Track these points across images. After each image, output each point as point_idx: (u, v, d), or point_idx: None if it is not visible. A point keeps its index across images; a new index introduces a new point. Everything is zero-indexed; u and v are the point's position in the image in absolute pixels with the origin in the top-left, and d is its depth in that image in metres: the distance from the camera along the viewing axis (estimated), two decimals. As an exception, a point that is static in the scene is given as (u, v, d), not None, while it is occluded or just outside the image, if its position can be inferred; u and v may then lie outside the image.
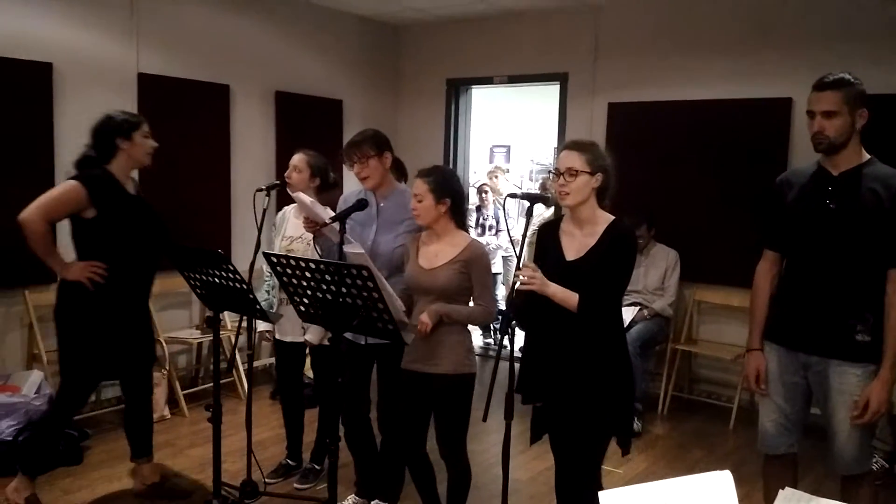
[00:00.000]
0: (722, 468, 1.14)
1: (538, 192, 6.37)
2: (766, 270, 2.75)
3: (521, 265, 2.39)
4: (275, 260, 2.55)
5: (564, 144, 2.55)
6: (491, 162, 9.33)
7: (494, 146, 9.75)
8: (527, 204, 2.52)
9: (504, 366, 2.34)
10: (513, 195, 2.62)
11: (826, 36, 4.69)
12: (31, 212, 3.03)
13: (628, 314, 4.79)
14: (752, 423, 4.58)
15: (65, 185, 3.11)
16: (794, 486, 1.85)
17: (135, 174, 3.40)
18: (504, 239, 6.80)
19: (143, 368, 3.44)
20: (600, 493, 1.03)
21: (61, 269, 3.13)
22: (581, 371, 2.44)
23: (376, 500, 3.27)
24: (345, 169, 5.66)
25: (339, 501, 2.98)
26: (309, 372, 3.90)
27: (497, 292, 6.90)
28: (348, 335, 2.93)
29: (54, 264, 3.13)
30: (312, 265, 2.45)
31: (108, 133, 3.16)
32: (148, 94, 4.72)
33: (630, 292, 4.94)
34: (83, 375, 3.22)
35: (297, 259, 2.50)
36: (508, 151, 9.83)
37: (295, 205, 3.57)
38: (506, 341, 2.35)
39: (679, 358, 5.11)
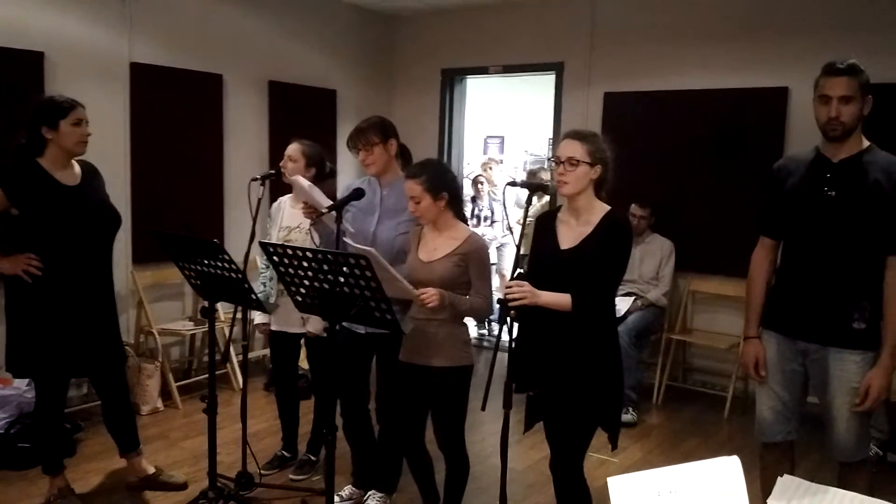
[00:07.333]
0: (718, 456, 1.13)
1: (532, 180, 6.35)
2: (762, 258, 2.74)
3: (507, 282, 2.36)
4: (272, 249, 2.53)
5: (566, 133, 2.52)
6: (485, 153, 9.30)
7: (488, 137, 9.72)
8: (523, 193, 2.51)
9: (501, 356, 2.33)
10: (512, 183, 2.60)
11: (822, 25, 4.68)
12: None
13: (623, 305, 4.79)
14: (746, 411, 4.62)
15: None
16: (792, 474, 1.85)
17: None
18: (499, 230, 6.78)
19: (111, 366, 3.31)
20: (610, 479, 1.02)
21: None
22: (570, 360, 2.44)
23: (373, 491, 3.26)
24: (340, 159, 5.68)
25: (335, 492, 2.98)
26: (303, 363, 3.88)
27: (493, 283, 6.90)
28: (346, 324, 2.92)
29: None
30: (310, 254, 2.43)
31: (34, 121, 2.98)
32: (140, 83, 4.68)
33: (625, 282, 4.94)
34: (44, 373, 3.11)
35: (294, 248, 2.48)
36: (502, 142, 9.80)
37: (290, 195, 3.55)
38: (504, 331, 2.34)
39: (674, 348, 5.12)
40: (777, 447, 2.71)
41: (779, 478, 1.54)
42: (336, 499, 3.19)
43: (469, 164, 7.83)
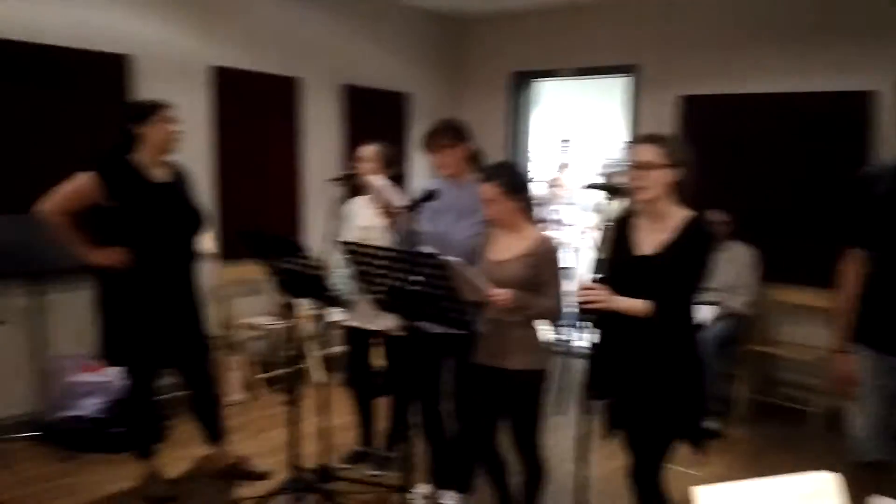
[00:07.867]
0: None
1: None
2: (851, 269, 2.62)
3: (583, 285, 2.32)
4: (350, 247, 2.58)
5: (641, 137, 2.47)
6: (555, 157, 9.20)
7: (560, 140, 9.61)
8: (597, 197, 2.46)
9: (577, 361, 2.31)
10: (591, 185, 2.56)
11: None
12: (45, 205, 3.08)
13: (707, 313, 4.66)
14: (834, 428, 4.41)
15: (79, 177, 3.09)
16: (884, 496, 1.75)
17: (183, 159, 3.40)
18: (570, 233, 6.70)
19: (197, 357, 3.43)
20: (697, 489, 0.99)
21: (87, 255, 3.13)
22: (650, 369, 2.39)
23: (449, 490, 3.27)
24: (413, 161, 5.73)
25: (411, 489, 3.00)
26: (380, 360, 3.93)
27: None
28: (420, 323, 2.94)
29: (79, 251, 3.13)
30: (387, 253, 2.47)
31: (126, 120, 3.17)
32: (220, 86, 4.82)
33: (707, 290, 4.80)
34: (134, 365, 3.26)
35: (372, 247, 2.52)
36: (573, 147, 9.67)
37: (364, 196, 3.60)
38: (581, 336, 2.31)
39: (758, 359, 4.93)
40: (870, 467, 2.58)
41: (868, 499, 1.48)
42: (412, 496, 3.22)
43: (539, 167, 7.76)
